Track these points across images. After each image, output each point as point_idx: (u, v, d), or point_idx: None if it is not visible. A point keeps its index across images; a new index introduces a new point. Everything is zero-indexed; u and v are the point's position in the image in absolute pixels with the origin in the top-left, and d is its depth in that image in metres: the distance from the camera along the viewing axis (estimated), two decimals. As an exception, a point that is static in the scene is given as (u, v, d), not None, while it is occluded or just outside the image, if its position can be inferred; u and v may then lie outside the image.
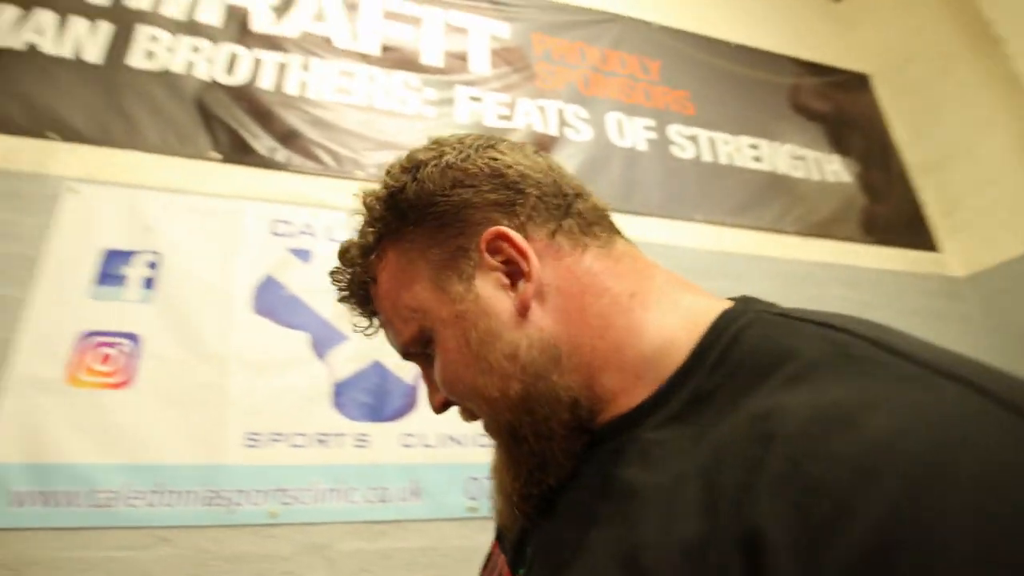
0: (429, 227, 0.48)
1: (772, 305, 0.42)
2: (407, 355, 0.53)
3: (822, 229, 2.49)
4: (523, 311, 0.44)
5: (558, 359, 0.43)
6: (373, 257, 0.51)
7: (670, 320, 0.43)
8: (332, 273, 0.55)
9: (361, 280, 0.53)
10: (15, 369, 1.35)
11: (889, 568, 0.23)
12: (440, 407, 0.52)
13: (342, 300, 0.55)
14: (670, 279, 0.47)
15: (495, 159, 0.48)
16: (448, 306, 0.46)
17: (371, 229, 0.51)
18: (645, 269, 0.48)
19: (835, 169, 2.68)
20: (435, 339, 0.47)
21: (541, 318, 0.44)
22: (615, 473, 0.40)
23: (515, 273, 0.45)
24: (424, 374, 0.53)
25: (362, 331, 0.56)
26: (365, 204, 0.52)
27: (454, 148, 0.49)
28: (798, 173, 2.58)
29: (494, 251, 0.46)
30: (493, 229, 0.45)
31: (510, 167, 0.48)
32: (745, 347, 0.37)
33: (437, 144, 0.50)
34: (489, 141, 0.50)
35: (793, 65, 2.87)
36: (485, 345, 0.44)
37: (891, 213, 2.66)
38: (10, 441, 1.29)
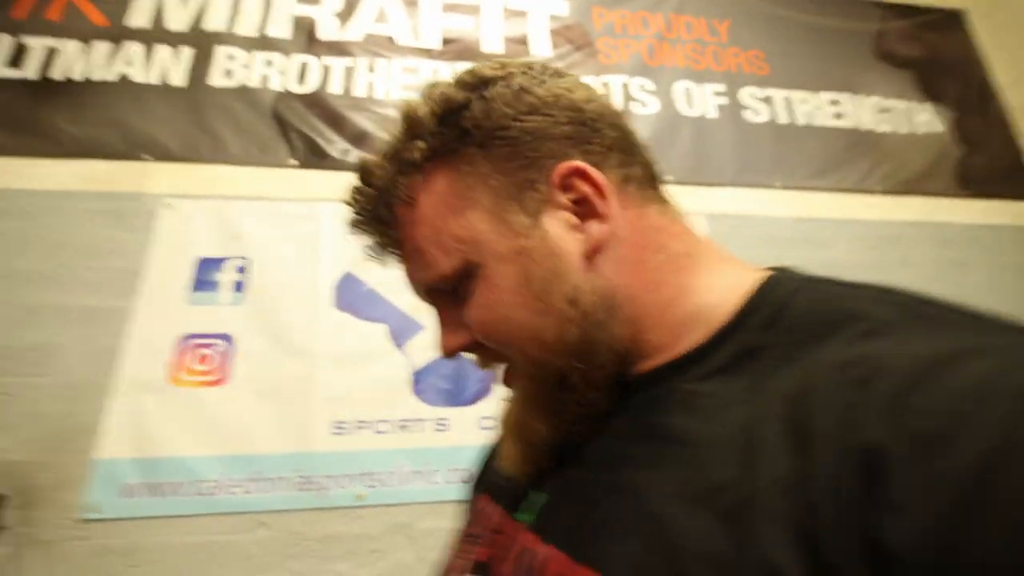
0: (496, 152, 0.42)
1: (812, 274, 0.41)
2: (431, 291, 0.47)
3: (913, 185, 2.26)
4: (592, 255, 0.41)
5: (613, 309, 0.41)
6: (418, 177, 0.44)
7: (719, 283, 0.42)
8: (353, 190, 0.47)
9: (390, 200, 0.45)
10: (122, 373, 1.47)
11: (1004, 472, 0.24)
12: (454, 350, 0.47)
13: (356, 225, 0.48)
14: (713, 246, 0.46)
15: (571, 91, 0.43)
16: (509, 240, 0.41)
17: (420, 144, 0.43)
18: (694, 233, 0.46)
19: (926, 119, 2.41)
20: (481, 275, 0.42)
21: (603, 264, 0.41)
22: (655, 420, 0.39)
23: (586, 214, 0.42)
24: (442, 314, 0.47)
25: (375, 258, 0.49)
26: (410, 117, 0.44)
27: (524, 72, 0.44)
28: (885, 127, 2.35)
29: (567, 188, 0.41)
30: (569, 164, 0.41)
31: (589, 102, 0.43)
32: (799, 309, 0.37)
33: (502, 65, 0.44)
34: (559, 71, 0.45)
35: (877, 8, 2.59)
36: (548, 285, 0.40)
37: (990, 162, 2.36)
38: (120, 438, 1.40)
